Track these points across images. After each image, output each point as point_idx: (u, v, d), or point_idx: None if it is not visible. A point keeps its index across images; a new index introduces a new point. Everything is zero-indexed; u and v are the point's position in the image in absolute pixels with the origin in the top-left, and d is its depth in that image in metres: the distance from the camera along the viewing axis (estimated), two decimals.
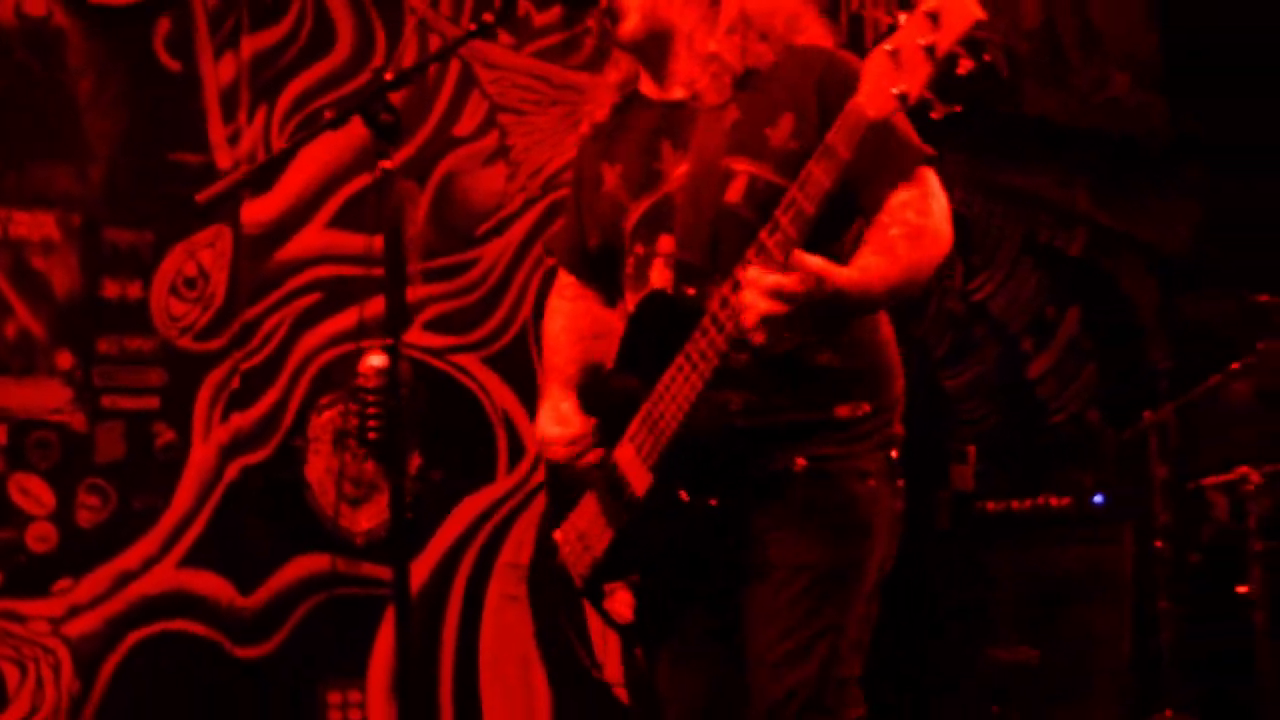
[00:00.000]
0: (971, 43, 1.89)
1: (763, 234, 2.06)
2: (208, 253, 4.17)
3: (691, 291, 2.25)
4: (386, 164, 2.33)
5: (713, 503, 2.20)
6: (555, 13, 4.75)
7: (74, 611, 3.87)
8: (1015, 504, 4.94)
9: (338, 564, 4.17)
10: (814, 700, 2.22)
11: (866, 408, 2.29)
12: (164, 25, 4.18)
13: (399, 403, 2.33)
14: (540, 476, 4.50)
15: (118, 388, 4.01)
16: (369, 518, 4.26)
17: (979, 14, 1.87)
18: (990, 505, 4.99)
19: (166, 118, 4.15)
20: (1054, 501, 4.88)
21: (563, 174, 4.67)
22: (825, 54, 2.30)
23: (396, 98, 2.36)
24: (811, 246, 2.05)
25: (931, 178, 2.24)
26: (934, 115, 1.99)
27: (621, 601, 2.34)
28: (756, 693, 2.26)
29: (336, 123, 2.44)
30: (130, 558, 3.96)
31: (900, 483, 2.37)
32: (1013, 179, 5.92)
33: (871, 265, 2.13)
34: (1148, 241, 6.29)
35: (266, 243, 4.26)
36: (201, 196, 2.31)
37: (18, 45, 3.97)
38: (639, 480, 2.29)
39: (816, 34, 2.35)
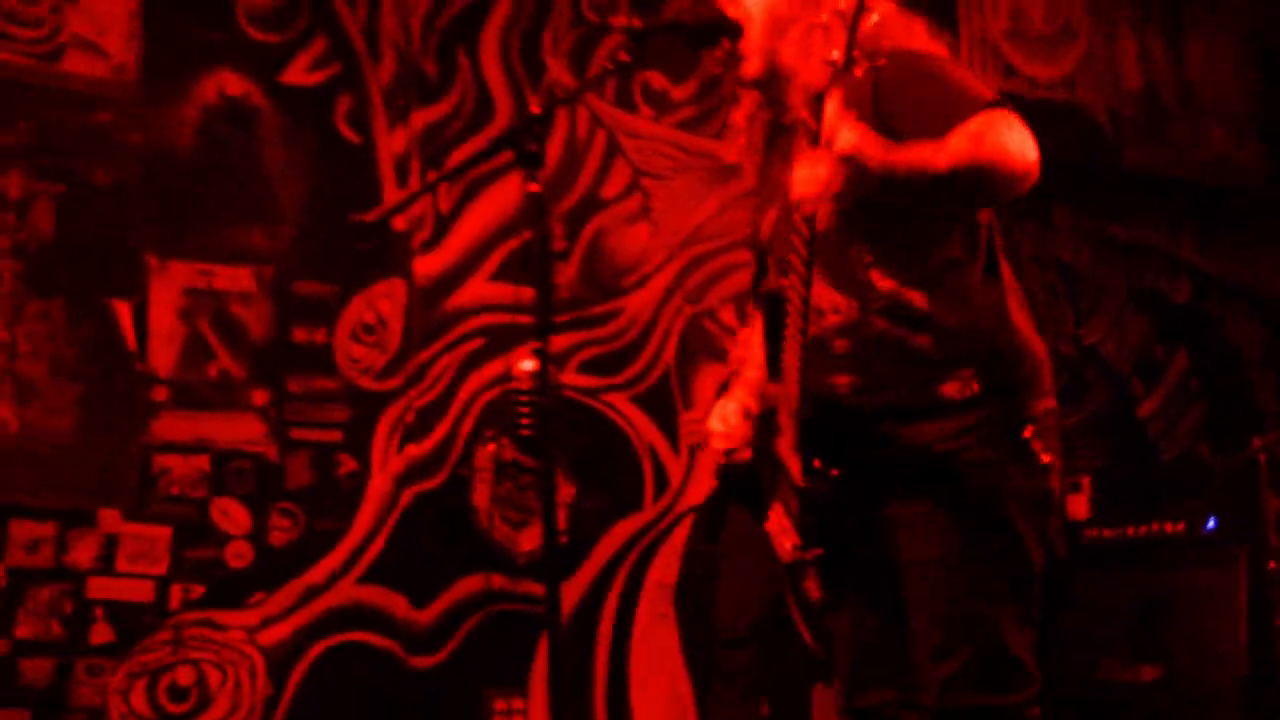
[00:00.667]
0: None
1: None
2: (385, 302, 4.34)
3: (784, 283, 2.24)
4: (533, 186, 2.44)
5: (834, 473, 2.21)
6: (691, 87, 4.89)
7: (267, 622, 4.03)
8: (1130, 530, 4.86)
9: (494, 581, 4.26)
10: (978, 680, 2.21)
11: (976, 388, 2.22)
12: (345, 102, 4.39)
13: (547, 399, 2.41)
14: (683, 505, 4.58)
15: (306, 422, 4.17)
16: (529, 540, 4.35)
17: None
18: (1106, 532, 4.91)
19: (347, 183, 4.34)
20: (1168, 527, 4.79)
21: (701, 230, 4.79)
22: (897, 53, 2.31)
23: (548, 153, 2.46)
24: (920, 247, 2.14)
25: (1001, 112, 2.14)
26: (858, 72, 2.08)
27: (812, 581, 2.32)
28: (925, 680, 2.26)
29: (488, 154, 2.57)
30: (316, 574, 4.11)
31: (1046, 458, 2.25)
32: (1118, 230, 5.89)
33: (915, 146, 2.09)
34: (1253, 288, 6.19)
35: (436, 293, 4.42)
36: (367, 217, 2.42)
37: (219, 121, 4.20)
38: (792, 462, 2.31)
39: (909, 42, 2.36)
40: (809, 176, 2.08)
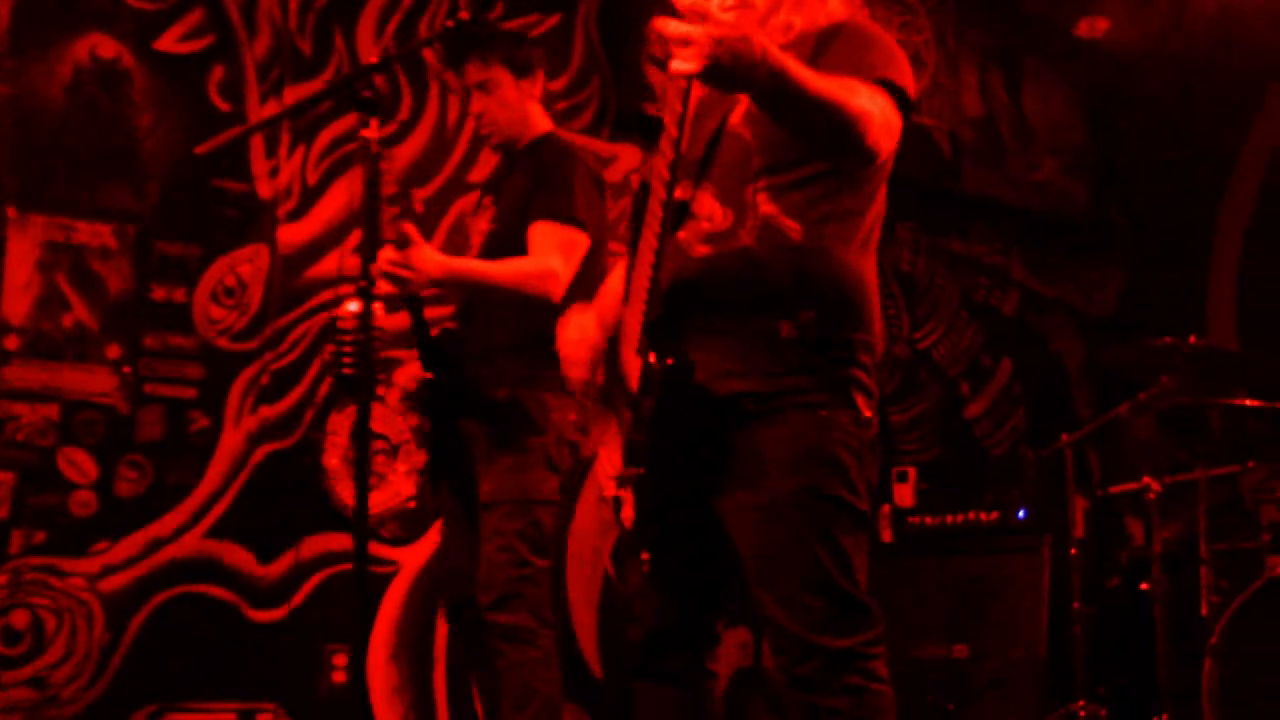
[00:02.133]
0: None
1: None
2: (247, 267, 4.08)
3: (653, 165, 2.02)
4: (366, 132, 2.26)
5: (669, 361, 1.97)
6: (563, 82, 4.72)
7: (107, 570, 3.73)
8: (949, 518, 4.77)
9: (339, 541, 4.01)
10: (820, 623, 1.98)
11: (814, 334, 2.01)
12: (218, 72, 4.12)
13: (370, 340, 2.23)
14: None
15: (159, 378, 3.90)
16: (378, 503, 4.12)
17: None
18: (928, 520, 4.82)
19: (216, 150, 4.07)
20: (983, 516, 4.71)
21: None
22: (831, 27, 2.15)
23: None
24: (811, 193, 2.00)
25: (887, 97, 1.99)
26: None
27: (629, 505, 2.12)
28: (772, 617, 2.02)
29: (324, 96, 2.38)
30: (162, 527, 3.82)
31: (867, 413, 2.06)
32: (954, 246, 5.83)
33: (805, 68, 1.87)
34: (1075, 305, 6.18)
35: (299, 261, 4.17)
36: (200, 149, 2.21)
37: (89, 81, 3.91)
38: (631, 369, 2.09)
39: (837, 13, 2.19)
40: (696, 15, 1.75)
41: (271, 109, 4.17)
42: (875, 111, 1.94)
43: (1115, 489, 4.33)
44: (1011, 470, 4.81)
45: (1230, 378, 4.40)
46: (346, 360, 2.45)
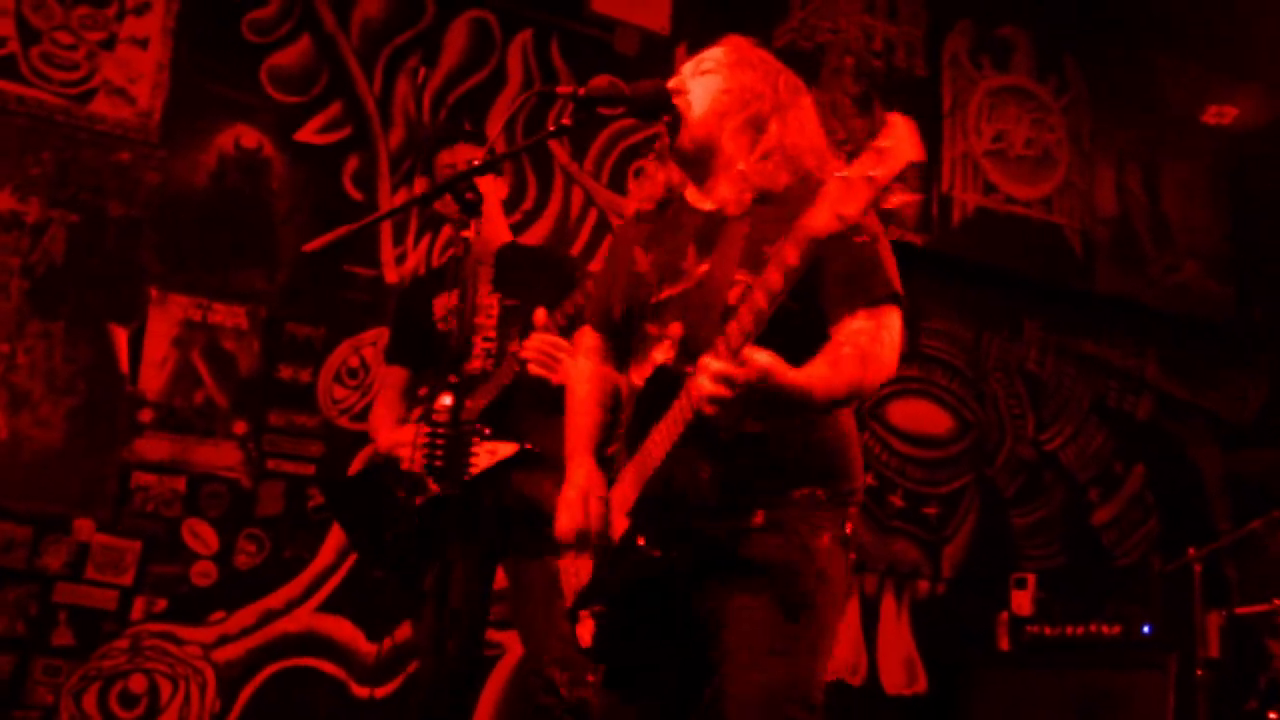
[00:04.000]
0: (906, 177, 1.83)
1: (729, 324, 1.99)
2: (371, 349, 4.23)
3: (689, 370, 2.12)
4: (466, 233, 2.35)
5: (656, 554, 2.08)
6: None
7: (223, 640, 3.87)
8: (1070, 629, 4.63)
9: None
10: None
11: (821, 495, 2.15)
12: (353, 162, 4.32)
13: (459, 430, 2.30)
14: None
15: (282, 454, 4.05)
16: None
17: (918, 155, 1.83)
18: (1047, 629, 4.69)
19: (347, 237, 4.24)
20: (1105, 629, 4.56)
21: None
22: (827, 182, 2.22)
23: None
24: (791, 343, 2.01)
25: (892, 314, 2.12)
26: (862, 239, 2.05)
27: (585, 628, 2.23)
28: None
29: (430, 197, 2.48)
30: (276, 599, 3.95)
31: (852, 555, 2.20)
32: (1085, 347, 5.70)
33: (817, 373, 2.02)
34: (1215, 412, 5.97)
35: None
36: (309, 247, 2.33)
37: (232, 170, 4.14)
38: (618, 525, 2.19)
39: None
40: (725, 383, 1.92)
41: (402, 199, 4.34)
42: (886, 353, 2.10)
43: (1244, 609, 4.15)
44: (1137, 581, 4.67)
45: None
46: (439, 453, 2.54)
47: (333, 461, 4.09)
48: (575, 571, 2.27)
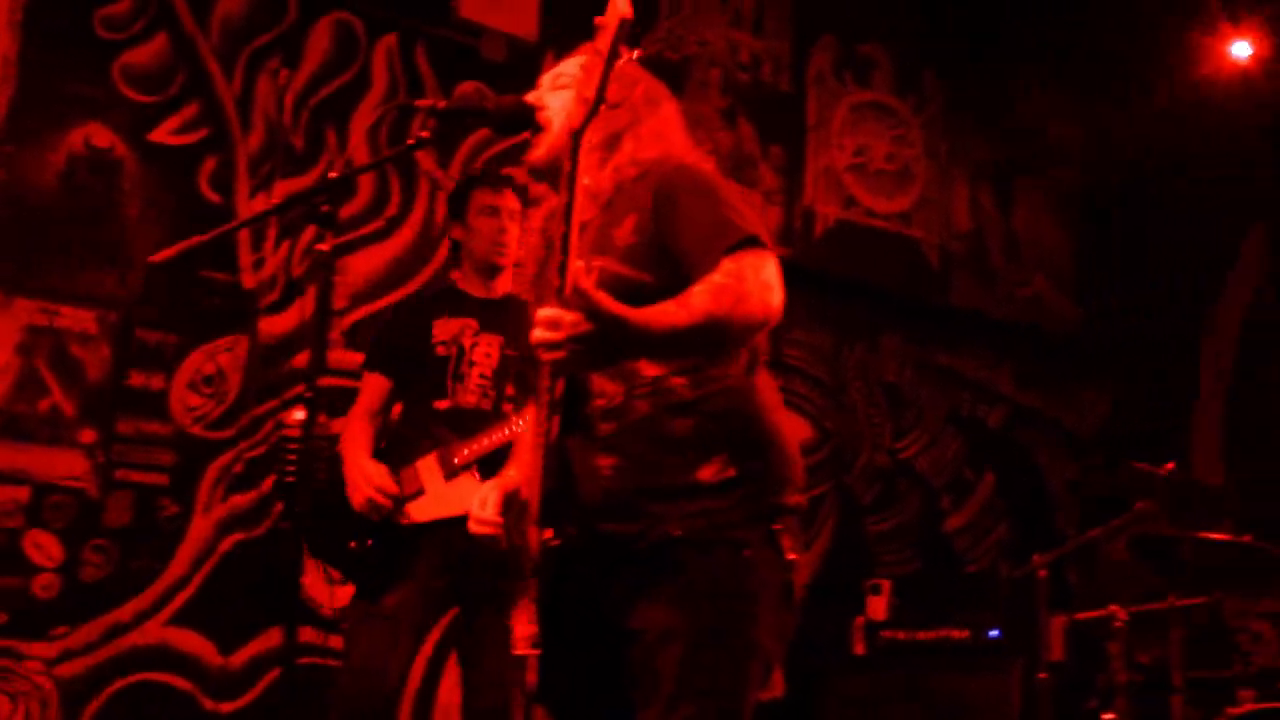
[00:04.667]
0: (624, 37, 1.93)
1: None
2: (226, 356, 4.15)
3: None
4: (322, 246, 2.33)
5: (554, 541, 2.04)
6: None
7: (66, 655, 3.75)
8: (921, 634, 4.76)
9: (302, 634, 4.02)
10: None
11: (732, 472, 2.07)
12: (210, 163, 4.23)
13: (311, 445, 2.27)
14: None
15: (131, 463, 3.94)
16: (341, 597, 4.12)
17: (627, 13, 1.92)
18: (901, 634, 4.81)
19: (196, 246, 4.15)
20: (954, 634, 4.70)
21: None
22: (669, 162, 2.21)
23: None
24: None
25: (754, 254, 2.03)
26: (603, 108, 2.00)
27: (531, 671, 2.13)
28: None
29: (284, 208, 2.45)
30: (124, 612, 3.85)
31: (790, 555, 2.09)
32: (941, 358, 5.87)
33: (660, 308, 1.94)
34: (1062, 421, 6.19)
35: (279, 352, 4.23)
36: (156, 258, 2.28)
37: (82, 169, 4.02)
38: (533, 538, 2.12)
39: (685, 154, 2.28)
40: (552, 326, 1.88)
41: (260, 203, 4.26)
42: (750, 287, 1.99)
43: (1082, 615, 4.31)
44: (985, 588, 4.81)
45: (1206, 507, 4.41)
46: (290, 467, 2.50)
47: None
48: (527, 619, 2.22)
